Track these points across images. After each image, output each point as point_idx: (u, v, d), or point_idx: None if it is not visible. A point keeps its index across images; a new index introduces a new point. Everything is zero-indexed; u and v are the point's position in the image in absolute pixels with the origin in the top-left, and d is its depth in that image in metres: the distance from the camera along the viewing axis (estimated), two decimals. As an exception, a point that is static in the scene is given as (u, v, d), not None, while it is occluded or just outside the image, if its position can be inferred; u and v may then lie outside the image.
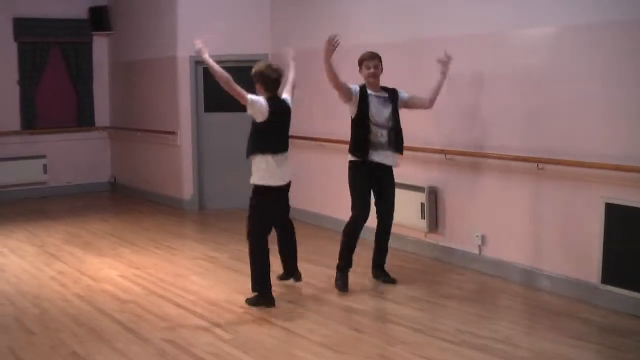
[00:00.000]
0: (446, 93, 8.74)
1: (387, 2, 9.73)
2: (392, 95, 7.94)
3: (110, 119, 15.57)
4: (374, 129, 7.79)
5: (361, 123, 7.81)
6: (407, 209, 9.09)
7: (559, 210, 7.62)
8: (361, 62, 8.01)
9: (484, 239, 8.44)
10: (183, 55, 12.58)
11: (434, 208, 9.04)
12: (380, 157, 7.82)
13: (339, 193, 9.45)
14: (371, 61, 7.92)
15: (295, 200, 11.06)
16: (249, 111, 7.48)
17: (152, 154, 13.66)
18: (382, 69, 7.95)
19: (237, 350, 6.24)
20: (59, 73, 14.97)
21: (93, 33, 15.13)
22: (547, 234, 7.75)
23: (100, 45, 15.38)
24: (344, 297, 7.64)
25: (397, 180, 8.20)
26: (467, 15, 8.54)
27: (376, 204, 8.08)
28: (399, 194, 9.01)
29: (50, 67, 14.77)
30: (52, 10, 14.64)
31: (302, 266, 8.45)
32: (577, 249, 7.47)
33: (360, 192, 7.92)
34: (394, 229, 8.21)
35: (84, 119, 15.26)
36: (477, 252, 8.53)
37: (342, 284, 7.86)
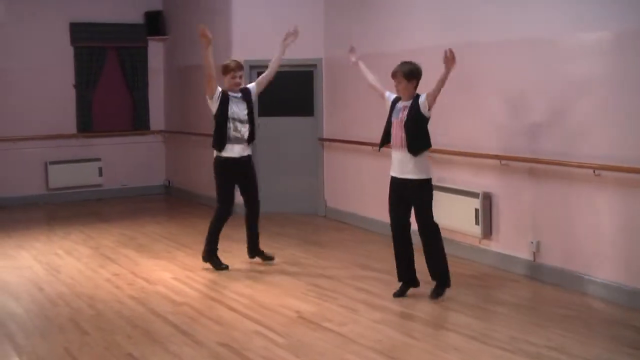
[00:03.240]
0: (500, 99, 8.72)
1: (439, 6, 9.69)
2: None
3: (164, 122, 15.71)
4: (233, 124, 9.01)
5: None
6: (461, 215, 9.04)
7: (614, 217, 7.52)
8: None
9: (538, 245, 8.35)
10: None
11: (488, 214, 8.97)
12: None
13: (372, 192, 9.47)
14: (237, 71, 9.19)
15: (334, 200, 11.12)
16: None
17: (206, 158, 13.68)
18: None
19: (290, 353, 6.25)
20: (114, 77, 15.16)
21: (148, 38, 15.30)
22: (602, 241, 7.65)
23: (155, 50, 15.54)
24: (397, 302, 7.61)
25: (450, 185, 8.16)
26: (522, 20, 8.46)
27: (241, 194, 9.34)
28: (452, 199, 9.00)
29: (106, 71, 14.97)
30: (108, 15, 14.84)
31: (353, 271, 8.47)
32: (632, 257, 7.37)
33: (225, 186, 9.18)
34: (448, 235, 8.16)
35: (138, 122, 15.43)
36: (531, 258, 8.45)
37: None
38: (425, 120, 7.59)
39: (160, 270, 9.13)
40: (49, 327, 7.12)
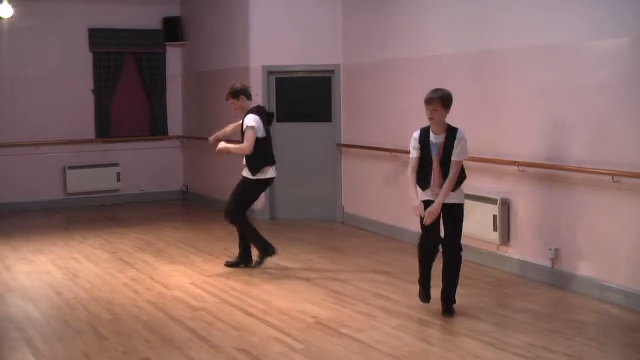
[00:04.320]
0: (518, 105, 8.69)
1: (458, 13, 9.66)
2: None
3: (182, 128, 15.75)
4: None
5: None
6: (479, 221, 9.01)
7: (634, 224, 7.47)
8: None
9: (557, 252, 8.31)
10: (255, 65, 12.66)
11: (506, 220, 8.94)
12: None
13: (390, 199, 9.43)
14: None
15: (352, 206, 11.14)
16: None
17: (224, 163, 13.74)
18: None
19: (308, 359, 6.27)
20: (132, 82, 15.23)
21: (166, 43, 15.35)
22: (622, 248, 7.60)
23: (174, 56, 15.60)
24: (415, 309, 7.59)
25: (469, 192, 8.13)
26: (541, 26, 8.43)
27: None
28: (471, 205, 8.96)
29: (124, 76, 15.04)
30: (127, 21, 14.90)
31: (371, 277, 8.46)
32: (653, 264, 7.34)
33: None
34: (466, 241, 8.12)
35: (157, 127, 15.48)
36: (550, 265, 8.42)
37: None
38: None
39: (178, 276, 9.14)
40: (67, 331, 7.14)
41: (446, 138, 7.18)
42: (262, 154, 9.14)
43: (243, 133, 9.10)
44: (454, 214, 7.36)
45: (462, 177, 7.31)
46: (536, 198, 8.59)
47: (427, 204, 7.28)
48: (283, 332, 6.95)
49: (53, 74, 14.38)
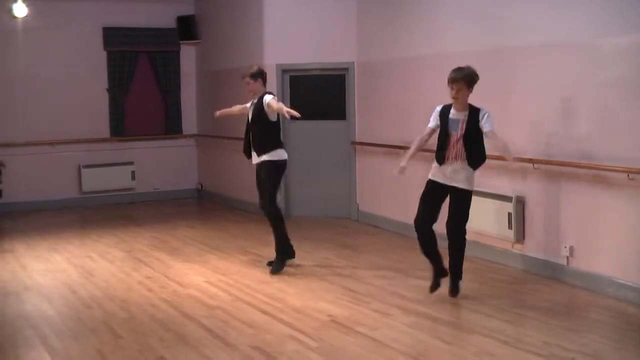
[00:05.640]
0: (533, 103, 8.67)
1: (472, 10, 9.64)
2: None
3: (197, 126, 15.77)
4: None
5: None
6: (494, 219, 9.00)
7: (650, 222, 7.47)
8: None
9: (572, 250, 8.29)
10: (269, 63, 12.64)
11: (521, 218, 8.92)
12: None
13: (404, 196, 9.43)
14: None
15: (367, 204, 11.12)
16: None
17: (238, 162, 13.70)
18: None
19: (323, 357, 6.25)
20: (147, 81, 15.26)
21: (180, 42, 15.38)
22: (636, 245, 7.56)
23: (188, 54, 15.62)
24: (430, 306, 7.58)
25: (483, 189, 8.14)
26: (557, 23, 8.40)
27: None
28: (485, 203, 8.95)
29: (138, 75, 15.08)
30: (141, 20, 14.94)
31: (386, 275, 8.47)
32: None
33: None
34: (480, 239, 8.13)
35: (171, 126, 15.51)
36: (564, 263, 8.39)
37: None
38: (481, 134, 7.49)
39: (193, 274, 9.16)
40: (82, 329, 7.17)
41: (469, 115, 7.43)
42: (275, 136, 9.27)
43: (258, 112, 9.16)
44: (459, 199, 7.61)
45: (482, 157, 7.58)
46: (551, 195, 8.57)
47: (429, 182, 7.70)
48: (298, 330, 6.95)
49: (67, 73, 14.42)
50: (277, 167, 9.22)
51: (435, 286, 7.80)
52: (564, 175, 8.35)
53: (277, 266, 9.20)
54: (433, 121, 7.68)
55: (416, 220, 7.77)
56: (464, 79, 7.41)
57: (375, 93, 11.82)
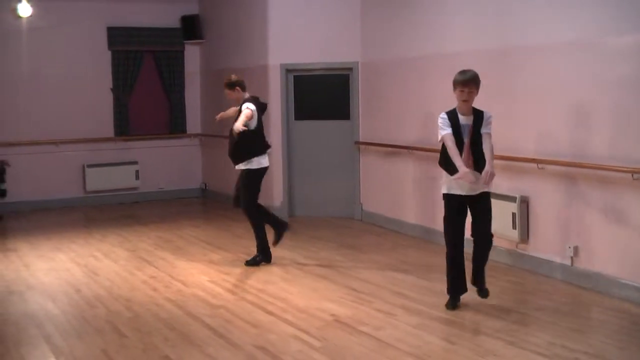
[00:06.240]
0: (537, 102, 8.66)
1: (477, 9, 9.62)
2: None
3: (201, 126, 15.77)
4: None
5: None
6: (498, 219, 8.95)
7: (655, 222, 7.46)
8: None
9: (576, 250, 8.28)
10: (274, 63, 12.65)
11: (525, 218, 8.91)
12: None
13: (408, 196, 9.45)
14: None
15: (371, 204, 11.12)
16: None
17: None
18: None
19: (327, 357, 6.24)
20: (151, 81, 15.26)
21: (185, 41, 15.39)
22: (642, 245, 7.59)
23: (192, 54, 15.63)
24: (434, 306, 7.57)
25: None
26: (561, 23, 8.39)
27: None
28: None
29: (142, 74, 15.08)
30: (145, 19, 14.95)
31: (390, 274, 8.47)
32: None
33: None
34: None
35: (175, 125, 15.52)
36: (569, 263, 8.38)
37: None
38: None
39: (197, 273, 9.16)
40: (87, 328, 7.17)
41: (474, 119, 7.21)
42: (250, 144, 9.43)
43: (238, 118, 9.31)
44: (484, 203, 7.36)
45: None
46: (555, 195, 8.56)
47: (451, 197, 7.33)
48: (301, 329, 6.95)
49: (72, 73, 14.43)
50: (254, 175, 9.48)
51: (456, 305, 7.54)
52: (568, 175, 8.34)
53: (252, 260, 9.54)
54: (448, 127, 7.21)
55: (452, 245, 7.40)
56: (474, 81, 7.17)
57: (379, 93, 11.81)
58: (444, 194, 7.44)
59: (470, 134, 7.18)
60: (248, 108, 9.25)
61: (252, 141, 9.42)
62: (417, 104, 10.74)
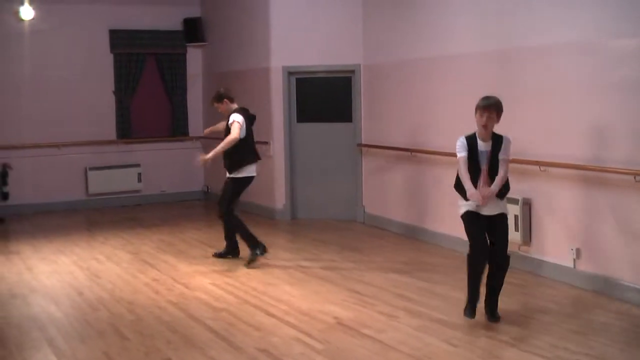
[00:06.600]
0: (540, 105, 8.65)
1: (479, 12, 9.61)
2: None
3: (203, 128, 15.72)
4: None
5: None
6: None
7: (657, 224, 7.45)
8: None
9: (578, 252, 8.28)
10: (276, 65, 12.67)
11: (527, 220, 8.91)
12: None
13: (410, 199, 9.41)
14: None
15: (373, 207, 11.13)
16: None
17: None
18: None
19: (329, 360, 6.26)
20: (153, 83, 15.28)
21: (187, 44, 15.40)
22: (644, 248, 7.58)
23: (194, 56, 15.65)
24: (436, 309, 7.57)
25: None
26: (563, 25, 8.38)
27: None
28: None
29: (144, 77, 15.11)
30: (147, 22, 14.97)
31: (392, 277, 8.48)
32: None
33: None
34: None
35: (177, 128, 15.54)
36: (571, 265, 8.38)
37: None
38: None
39: (199, 276, 9.16)
40: (89, 331, 7.18)
41: (492, 145, 7.07)
42: (240, 153, 9.60)
43: (228, 130, 9.58)
44: (503, 224, 7.20)
45: (507, 186, 7.20)
46: (557, 198, 8.56)
47: (469, 215, 7.17)
48: (304, 332, 6.95)
49: (74, 75, 14.45)
50: (240, 183, 9.74)
51: (474, 313, 7.29)
52: (571, 177, 8.33)
53: (250, 259, 9.63)
54: (465, 152, 7.09)
55: (477, 250, 7.16)
56: (495, 106, 7.02)
57: (381, 95, 11.81)
58: (461, 215, 7.26)
59: (488, 160, 7.06)
60: (235, 120, 9.49)
61: (243, 149, 9.60)
62: (419, 107, 10.74)
